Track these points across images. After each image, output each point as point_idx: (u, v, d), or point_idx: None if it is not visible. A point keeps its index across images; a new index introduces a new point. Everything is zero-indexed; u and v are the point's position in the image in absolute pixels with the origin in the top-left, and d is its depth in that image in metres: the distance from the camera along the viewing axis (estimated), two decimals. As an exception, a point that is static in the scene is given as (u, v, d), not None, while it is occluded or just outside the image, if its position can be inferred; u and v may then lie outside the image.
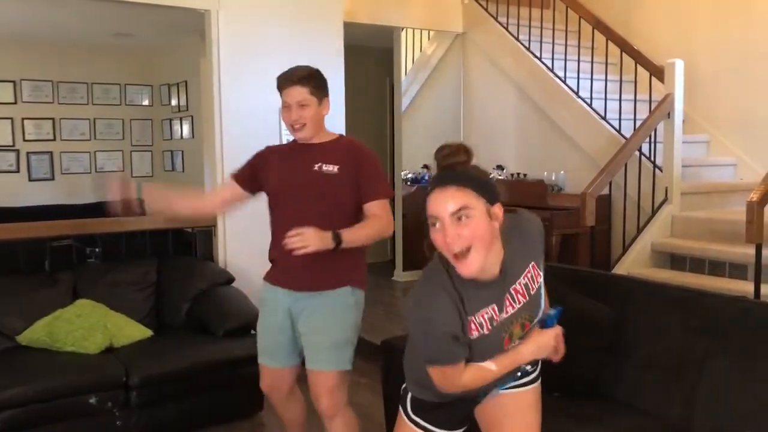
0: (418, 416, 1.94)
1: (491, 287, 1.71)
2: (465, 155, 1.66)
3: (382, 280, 7.10)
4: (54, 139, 7.62)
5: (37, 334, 3.49)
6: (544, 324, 1.86)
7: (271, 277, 2.62)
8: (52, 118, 7.59)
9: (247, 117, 4.58)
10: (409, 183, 7.72)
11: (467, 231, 1.59)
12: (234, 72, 4.57)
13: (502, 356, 1.77)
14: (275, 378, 2.67)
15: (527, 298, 1.77)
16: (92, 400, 3.17)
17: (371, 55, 7.56)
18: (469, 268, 1.62)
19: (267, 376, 2.68)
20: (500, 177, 6.38)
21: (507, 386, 1.96)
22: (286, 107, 2.54)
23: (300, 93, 2.48)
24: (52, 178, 7.66)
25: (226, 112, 4.56)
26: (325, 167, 2.49)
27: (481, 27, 6.61)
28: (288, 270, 2.52)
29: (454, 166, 1.64)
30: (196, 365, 3.45)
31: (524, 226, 1.83)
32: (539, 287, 1.82)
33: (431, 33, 7.52)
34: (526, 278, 1.77)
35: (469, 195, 1.60)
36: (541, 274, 1.83)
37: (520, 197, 5.77)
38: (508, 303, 1.74)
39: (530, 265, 1.78)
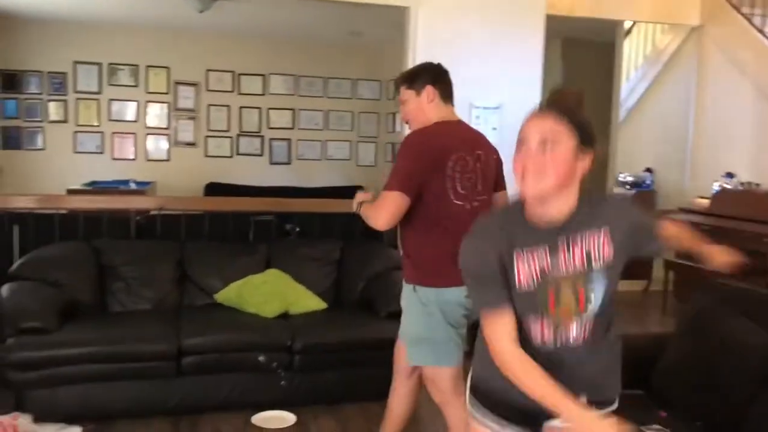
0: (483, 409, 1.82)
1: (550, 232, 1.64)
2: (575, 103, 1.64)
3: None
4: (292, 128, 8.49)
5: (229, 294, 3.98)
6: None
7: None
8: (292, 109, 8.45)
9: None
10: (628, 187, 7.26)
11: (549, 160, 1.57)
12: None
13: (554, 391, 1.60)
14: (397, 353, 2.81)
15: (584, 260, 1.64)
16: (261, 358, 3.54)
17: (594, 49, 7.22)
18: (530, 189, 1.59)
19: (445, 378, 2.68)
20: (727, 186, 5.73)
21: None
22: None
23: (402, 93, 2.64)
24: (289, 163, 8.55)
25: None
26: None
27: (720, 19, 5.97)
28: None
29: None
30: (355, 340, 3.66)
31: (604, 200, 1.76)
32: (607, 259, 1.64)
33: (665, 26, 6.96)
34: (591, 237, 1.64)
35: (562, 127, 1.58)
36: (614, 250, 1.64)
37: (748, 208, 5.15)
38: (563, 254, 1.64)
39: (601, 230, 1.65)
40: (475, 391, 1.84)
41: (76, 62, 7.94)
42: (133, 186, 7.17)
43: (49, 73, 7.90)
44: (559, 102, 1.65)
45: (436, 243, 2.54)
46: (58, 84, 7.94)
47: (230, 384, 3.56)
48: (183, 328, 3.57)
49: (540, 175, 1.57)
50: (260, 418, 3.51)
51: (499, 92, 4.83)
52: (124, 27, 7.87)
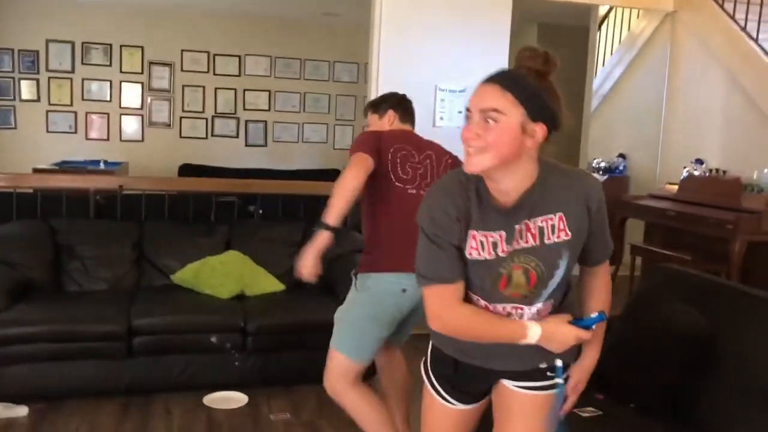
0: (435, 376, 1.86)
1: (504, 211, 1.59)
2: (544, 64, 1.55)
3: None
4: (269, 110, 8.43)
5: (186, 275, 3.95)
6: (580, 321, 1.69)
7: None
8: (269, 91, 8.39)
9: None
10: (600, 172, 7.26)
11: (489, 134, 1.50)
12: (394, 52, 4.67)
13: (508, 322, 1.65)
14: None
15: (537, 243, 1.60)
16: (213, 339, 3.53)
17: (571, 34, 7.19)
18: (472, 166, 1.54)
19: (339, 366, 2.73)
20: (695, 172, 5.74)
21: (524, 383, 1.78)
22: None
23: (369, 117, 2.87)
24: (265, 145, 8.50)
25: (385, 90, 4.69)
26: None
27: (693, 5, 5.94)
28: None
29: (526, 70, 1.54)
30: (309, 323, 3.65)
31: (572, 178, 1.65)
32: (560, 245, 1.61)
33: (641, 12, 6.94)
34: (545, 222, 1.60)
35: (507, 100, 1.50)
36: (570, 235, 1.61)
37: (709, 195, 5.16)
38: (518, 235, 1.60)
39: (557, 215, 1.60)
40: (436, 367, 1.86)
41: (49, 40, 7.83)
42: (102, 166, 7.10)
43: (20, 50, 7.78)
44: (526, 67, 1.55)
45: (376, 224, 2.58)
46: (30, 62, 7.83)
47: (182, 365, 3.55)
48: (135, 308, 3.55)
49: (481, 150, 1.52)
50: (211, 399, 3.51)
51: (465, 76, 4.79)
52: (98, 4, 7.76)
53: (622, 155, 7.24)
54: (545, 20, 7.43)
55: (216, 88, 8.31)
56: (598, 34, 7.37)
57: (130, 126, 8.19)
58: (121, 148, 8.08)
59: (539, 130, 1.53)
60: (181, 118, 8.29)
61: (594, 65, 6.66)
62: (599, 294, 1.79)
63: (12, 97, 7.87)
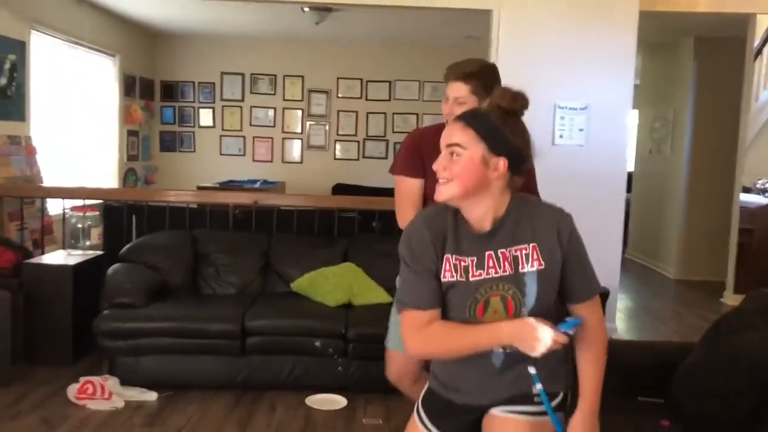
0: (426, 414, 1.89)
1: (477, 239, 1.69)
2: (511, 102, 1.68)
3: (706, 301, 6.31)
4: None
5: (302, 283, 4.26)
6: (557, 324, 1.69)
7: None
8: (416, 114, 8.72)
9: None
10: (767, 194, 6.63)
11: (454, 167, 1.66)
12: (512, 70, 4.67)
13: (479, 326, 1.67)
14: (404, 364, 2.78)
15: (513, 272, 1.66)
16: (317, 343, 3.78)
17: (728, 47, 6.70)
18: (439, 195, 1.69)
19: (396, 362, 2.80)
20: None
21: (512, 408, 1.75)
22: (445, 98, 2.55)
23: (460, 89, 2.47)
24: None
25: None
26: None
27: None
28: None
29: (494, 108, 1.69)
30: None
31: (543, 210, 1.73)
32: (534, 274, 1.66)
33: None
34: (518, 252, 1.67)
35: (469, 136, 1.65)
36: (544, 265, 1.66)
37: None
38: (490, 263, 1.68)
39: (530, 246, 1.68)
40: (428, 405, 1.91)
41: (223, 73, 8.76)
42: (258, 185, 7.76)
43: (200, 83, 8.78)
44: (493, 99, 1.69)
45: None
46: (208, 93, 8.81)
47: (290, 365, 3.83)
48: (251, 311, 3.90)
49: (448, 182, 1.67)
50: (313, 400, 3.74)
51: (586, 93, 4.69)
52: (264, 41, 8.57)
53: (789, 176, 6.57)
54: (702, 33, 6.99)
55: (368, 113, 8.76)
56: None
57: (291, 149, 8.88)
58: (282, 169, 8.78)
59: (500, 163, 1.64)
60: (335, 141, 8.84)
61: (754, 78, 6.12)
62: (587, 337, 1.74)
63: (192, 124, 8.89)
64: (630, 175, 8.16)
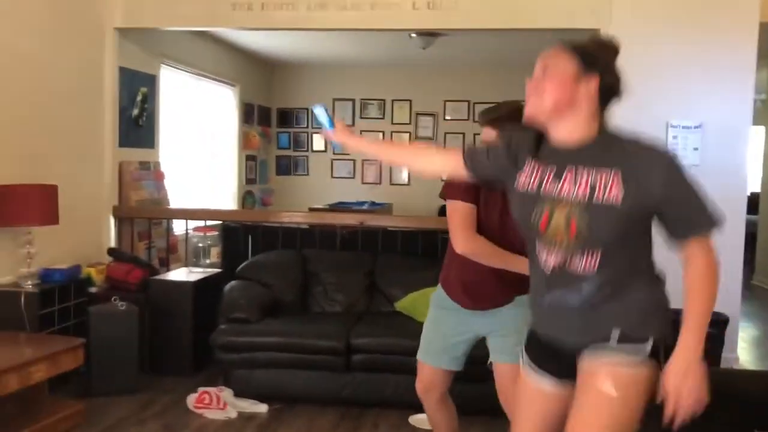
0: (528, 355, 1.92)
1: (561, 155, 1.74)
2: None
3: None
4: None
5: (405, 303, 4.34)
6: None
7: None
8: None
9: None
10: None
11: (546, 81, 1.71)
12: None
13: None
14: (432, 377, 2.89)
15: (586, 199, 1.66)
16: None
17: None
18: (530, 108, 1.74)
19: (425, 375, 2.91)
20: None
21: (600, 357, 1.70)
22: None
23: (490, 135, 2.51)
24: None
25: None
26: None
27: None
28: None
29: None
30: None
31: (642, 144, 1.70)
32: (608, 208, 1.63)
33: None
34: (599, 177, 1.66)
35: (562, 53, 1.72)
36: (621, 200, 1.63)
37: None
38: (567, 178, 1.70)
39: (613, 170, 1.65)
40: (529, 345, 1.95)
41: (335, 99, 9.08)
42: (366, 207, 7.95)
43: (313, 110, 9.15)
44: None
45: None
46: (320, 118, 9.15)
47: (393, 384, 3.90)
48: (356, 329, 4.02)
49: (538, 96, 1.72)
50: (416, 419, 3.79)
51: (700, 110, 4.50)
52: (372, 67, 8.84)
53: None
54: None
55: (474, 134, 8.78)
56: None
57: (399, 171, 9.04)
58: (390, 191, 8.96)
59: (593, 83, 1.69)
60: (442, 163, 8.91)
61: None
62: (692, 282, 1.67)
63: (306, 149, 9.27)
64: (756, 196, 7.71)
